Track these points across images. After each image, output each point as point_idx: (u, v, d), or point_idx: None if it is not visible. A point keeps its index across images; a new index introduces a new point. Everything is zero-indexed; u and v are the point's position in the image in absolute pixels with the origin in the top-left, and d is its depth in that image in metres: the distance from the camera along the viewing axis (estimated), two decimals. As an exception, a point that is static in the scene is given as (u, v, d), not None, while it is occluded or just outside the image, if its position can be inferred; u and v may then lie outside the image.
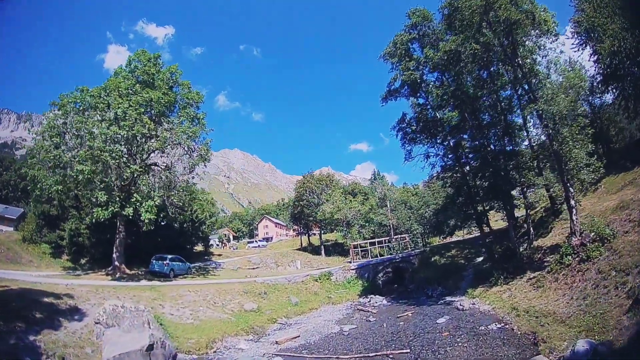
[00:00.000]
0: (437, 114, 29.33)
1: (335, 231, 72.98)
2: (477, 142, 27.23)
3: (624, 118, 28.87)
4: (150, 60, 30.02)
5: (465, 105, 26.80)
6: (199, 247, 59.02)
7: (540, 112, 20.68)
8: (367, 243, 46.27)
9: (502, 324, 17.39)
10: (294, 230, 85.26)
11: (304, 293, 32.17)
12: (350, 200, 49.84)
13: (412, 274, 37.09)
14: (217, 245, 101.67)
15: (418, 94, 30.73)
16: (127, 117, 26.62)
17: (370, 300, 30.00)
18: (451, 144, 28.65)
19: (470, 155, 28.80)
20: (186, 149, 30.68)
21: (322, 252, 67.63)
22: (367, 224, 54.97)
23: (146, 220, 26.79)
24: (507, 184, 24.77)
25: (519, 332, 15.42)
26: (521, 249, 26.71)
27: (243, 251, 76.35)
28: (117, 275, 27.37)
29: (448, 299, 25.90)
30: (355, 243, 45.65)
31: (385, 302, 28.97)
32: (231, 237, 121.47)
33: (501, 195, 25.82)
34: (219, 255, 59.72)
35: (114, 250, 29.00)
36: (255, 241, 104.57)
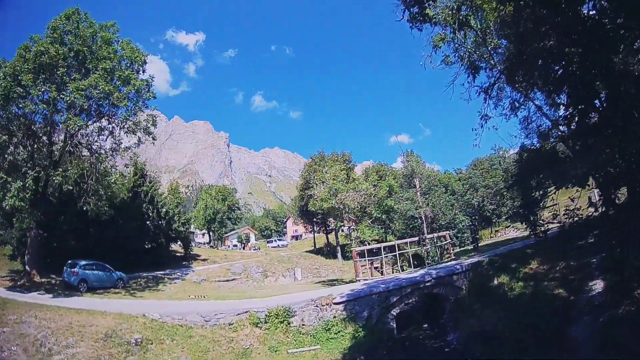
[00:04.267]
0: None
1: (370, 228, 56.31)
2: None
3: None
4: (70, 17, 24.81)
5: None
6: (178, 249, 49.14)
7: None
8: (381, 248, 28.71)
9: None
10: (304, 227, 69.37)
11: (220, 350, 16.32)
12: (354, 179, 32.31)
13: (456, 311, 19.31)
14: (235, 246, 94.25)
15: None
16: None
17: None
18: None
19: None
20: (88, 113, 25.83)
21: (339, 255, 51.68)
22: (384, 216, 36.96)
23: (6, 208, 23.12)
24: None
25: None
26: None
27: (253, 252, 64.88)
28: (19, 284, 23.38)
29: None
30: (360, 249, 28.28)
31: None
32: (252, 237, 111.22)
33: None
34: (204, 260, 47.54)
35: (26, 251, 25.61)
36: (275, 240, 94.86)
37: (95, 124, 26.72)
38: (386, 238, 51.06)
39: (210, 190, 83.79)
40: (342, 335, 17.76)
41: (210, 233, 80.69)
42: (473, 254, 30.14)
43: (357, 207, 29.22)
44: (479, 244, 34.72)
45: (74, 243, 30.08)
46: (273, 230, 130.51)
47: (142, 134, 27.47)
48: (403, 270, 29.59)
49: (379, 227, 49.29)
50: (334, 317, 18.60)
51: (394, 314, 19.81)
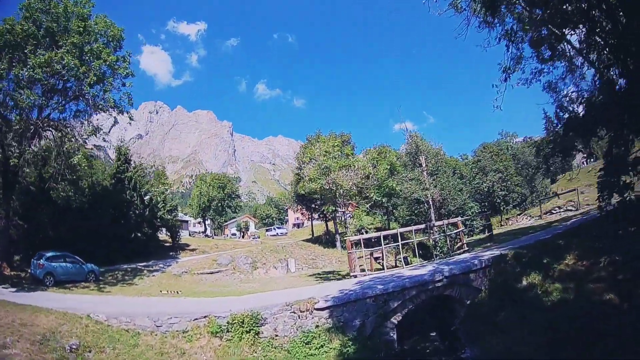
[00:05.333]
0: None
1: (370, 214, 52.14)
2: None
3: None
4: None
5: None
6: (165, 237, 46.86)
7: None
8: (380, 237, 24.51)
9: None
10: (302, 213, 65.42)
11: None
12: (348, 156, 27.79)
13: (474, 319, 15.22)
14: (234, 235, 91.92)
15: None
16: None
17: None
18: None
19: None
20: (64, 94, 24.38)
21: (338, 244, 47.83)
22: (385, 200, 32.62)
23: None
24: None
25: None
26: None
27: (249, 241, 61.03)
28: (-16, 278, 22.15)
29: None
30: (356, 238, 24.12)
31: None
32: (252, 225, 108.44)
33: None
34: (193, 250, 44.48)
35: None
36: (274, 228, 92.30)
37: (69, 104, 25.19)
38: (389, 225, 46.89)
39: (206, 177, 79.95)
40: (326, 351, 13.76)
41: (206, 221, 77.12)
42: (489, 244, 25.97)
43: (353, 188, 24.92)
44: (503, 241, 30.73)
45: (52, 233, 28.85)
46: (275, 218, 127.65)
47: (114, 111, 25.20)
48: (407, 263, 25.53)
49: (381, 213, 45.03)
50: (317, 326, 14.59)
51: (395, 322, 15.76)
